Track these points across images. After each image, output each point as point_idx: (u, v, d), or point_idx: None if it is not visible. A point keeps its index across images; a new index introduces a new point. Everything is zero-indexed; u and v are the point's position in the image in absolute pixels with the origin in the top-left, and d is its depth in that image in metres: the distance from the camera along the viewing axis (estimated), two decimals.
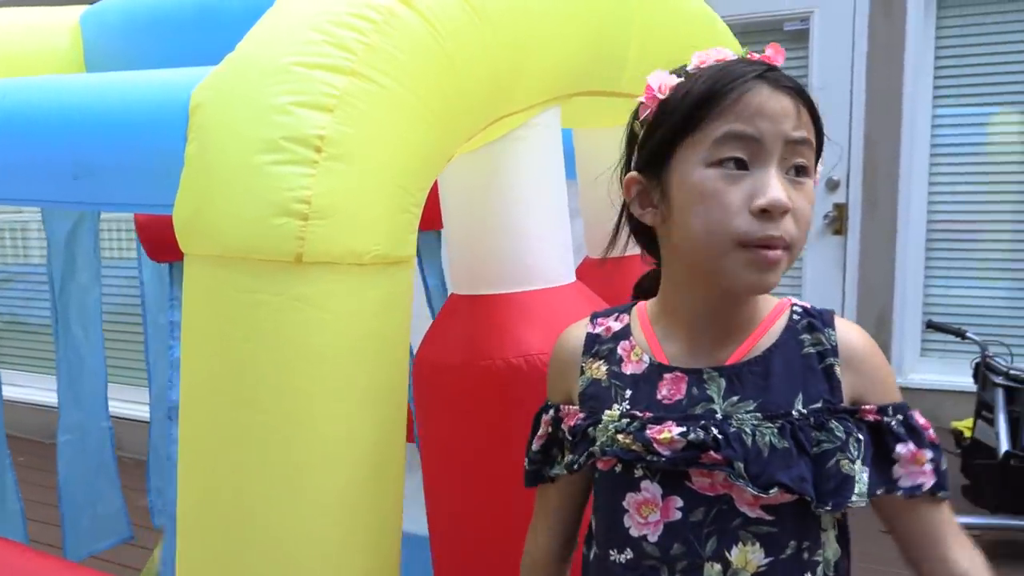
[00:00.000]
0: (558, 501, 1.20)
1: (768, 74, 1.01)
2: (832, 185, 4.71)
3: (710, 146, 1.00)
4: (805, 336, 1.06)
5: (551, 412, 1.16)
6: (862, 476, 1.00)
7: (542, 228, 1.41)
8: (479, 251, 1.42)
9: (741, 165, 0.99)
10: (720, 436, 1.00)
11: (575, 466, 1.10)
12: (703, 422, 1.01)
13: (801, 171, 1.00)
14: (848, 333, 1.06)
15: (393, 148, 1.12)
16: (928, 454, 1.02)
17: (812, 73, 4.68)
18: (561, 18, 1.34)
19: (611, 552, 1.09)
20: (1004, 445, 3.38)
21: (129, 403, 4.71)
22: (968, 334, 3.69)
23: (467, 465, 1.40)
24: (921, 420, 1.04)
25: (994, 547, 3.37)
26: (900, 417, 1.03)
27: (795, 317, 1.07)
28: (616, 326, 1.15)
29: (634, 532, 1.06)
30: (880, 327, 4.61)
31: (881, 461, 1.02)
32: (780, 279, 1.00)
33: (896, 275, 4.61)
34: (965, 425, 3.72)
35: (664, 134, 1.04)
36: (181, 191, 1.13)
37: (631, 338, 1.13)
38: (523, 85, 1.31)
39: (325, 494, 1.13)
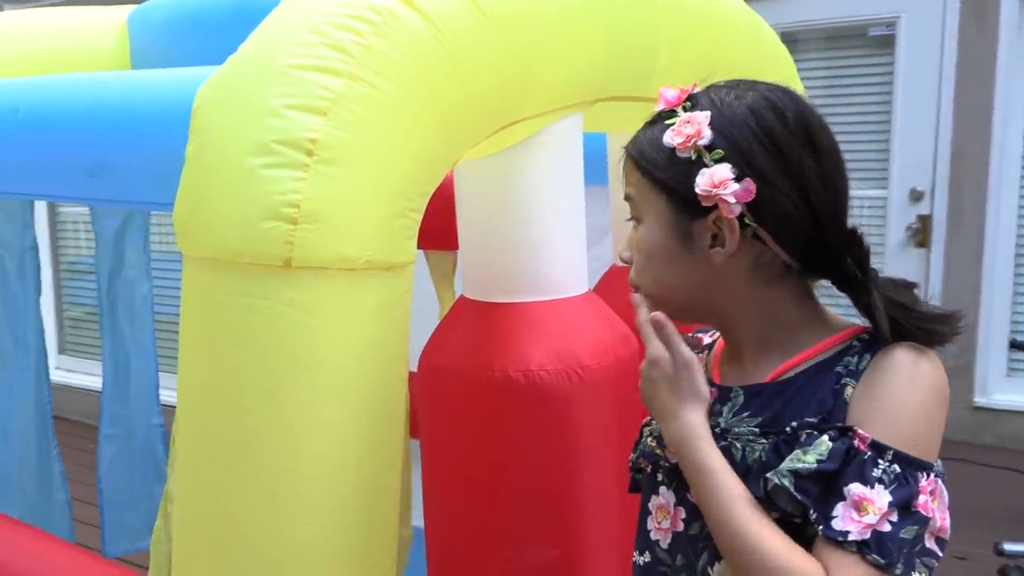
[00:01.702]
0: None
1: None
2: (916, 196, 4.54)
3: None
4: (849, 359, 0.99)
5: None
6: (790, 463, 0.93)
7: (556, 237, 1.38)
8: (490, 256, 1.39)
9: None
10: None
11: (630, 462, 1.16)
12: None
13: (636, 221, 1.09)
14: (888, 355, 0.96)
15: (390, 152, 1.10)
16: (884, 510, 0.89)
17: (897, 81, 4.52)
18: (577, 24, 1.30)
19: (635, 553, 1.13)
20: None
21: None
22: None
23: (462, 472, 1.37)
24: (923, 483, 0.91)
25: None
26: (896, 467, 0.91)
27: (856, 344, 1.01)
28: (708, 340, 1.18)
29: (653, 536, 1.10)
30: (963, 345, 4.44)
31: (834, 490, 0.92)
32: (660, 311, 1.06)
33: (983, 291, 4.42)
34: None
35: None
36: (180, 191, 1.13)
37: (708, 353, 1.15)
38: (536, 91, 1.27)
39: (314, 502, 1.11)
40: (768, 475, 0.94)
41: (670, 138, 1.01)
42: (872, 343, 0.99)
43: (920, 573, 0.91)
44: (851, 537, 0.89)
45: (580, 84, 1.35)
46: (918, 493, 0.91)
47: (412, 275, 1.18)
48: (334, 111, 1.06)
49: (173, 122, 1.26)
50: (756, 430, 1.00)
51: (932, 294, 1.08)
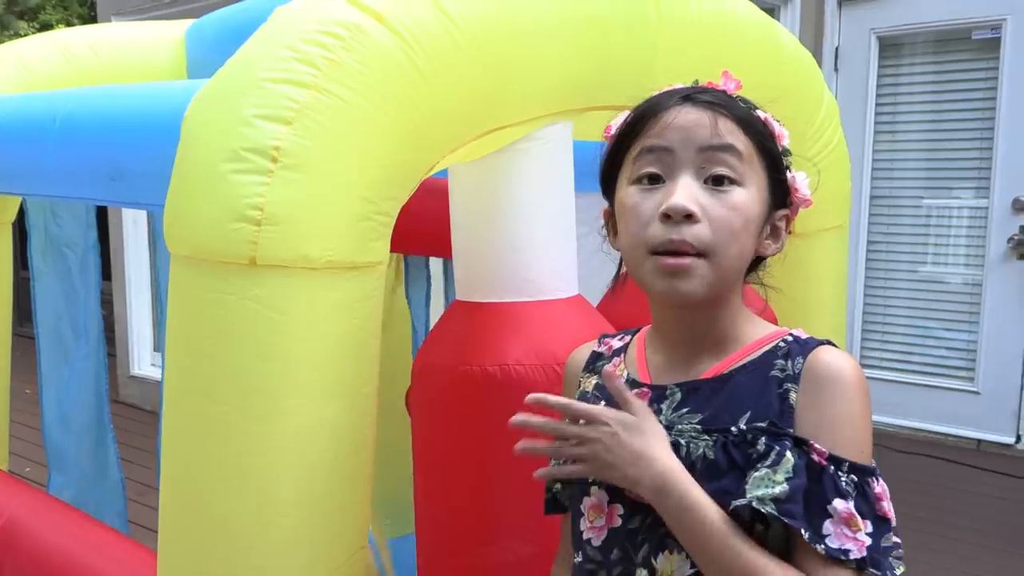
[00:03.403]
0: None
1: (691, 95, 1.04)
2: (1020, 206, 4.36)
3: (631, 164, 1.06)
4: (779, 361, 1.02)
5: None
6: (763, 486, 0.93)
7: (541, 240, 1.42)
8: (478, 259, 1.45)
9: (656, 179, 1.03)
10: None
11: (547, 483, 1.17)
12: None
13: (722, 180, 1.01)
14: (821, 361, 1.00)
15: (353, 159, 1.17)
16: (868, 525, 0.93)
17: (1002, 86, 4.35)
18: (560, 38, 1.34)
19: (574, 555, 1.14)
20: None
21: None
22: None
23: (443, 467, 1.42)
24: (878, 489, 0.96)
25: None
26: (853, 477, 0.95)
27: (782, 345, 1.04)
28: (617, 345, 1.19)
29: (585, 535, 1.10)
30: None
31: (814, 509, 0.94)
32: (702, 288, 1.00)
33: None
34: None
35: (605, 163, 1.11)
36: (168, 194, 1.22)
37: (624, 356, 1.16)
38: (513, 102, 1.32)
39: (281, 485, 1.18)
40: (752, 505, 0.93)
41: (777, 128, 1.06)
42: (796, 344, 1.03)
43: (899, 570, 0.96)
44: (852, 556, 0.92)
45: (563, 95, 1.39)
46: (878, 499, 0.95)
47: (383, 274, 1.25)
48: (299, 121, 1.13)
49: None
50: (699, 427, 1.01)
51: None
